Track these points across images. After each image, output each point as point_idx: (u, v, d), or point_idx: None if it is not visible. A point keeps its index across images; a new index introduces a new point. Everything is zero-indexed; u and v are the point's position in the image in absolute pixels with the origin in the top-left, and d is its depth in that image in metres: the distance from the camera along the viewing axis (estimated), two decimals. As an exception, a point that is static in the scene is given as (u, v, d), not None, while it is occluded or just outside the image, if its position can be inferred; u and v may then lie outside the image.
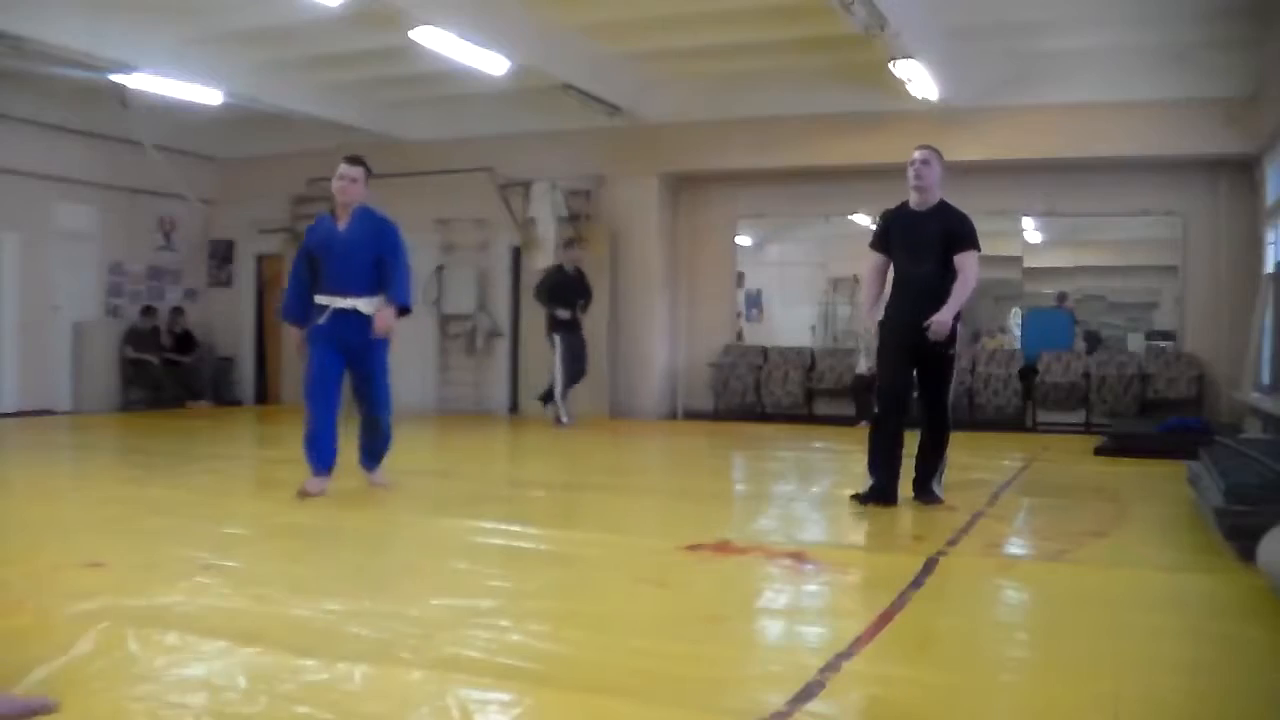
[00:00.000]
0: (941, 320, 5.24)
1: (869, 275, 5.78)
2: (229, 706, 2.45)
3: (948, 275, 5.38)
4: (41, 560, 3.95)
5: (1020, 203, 11.34)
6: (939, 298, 5.32)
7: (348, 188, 5.66)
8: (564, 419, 10.51)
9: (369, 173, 5.81)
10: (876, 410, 5.60)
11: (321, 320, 5.61)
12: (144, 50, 9.27)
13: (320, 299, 5.64)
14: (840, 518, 5.45)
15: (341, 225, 5.67)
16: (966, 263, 5.38)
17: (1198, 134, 9.79)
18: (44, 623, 3.05)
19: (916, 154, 5.51)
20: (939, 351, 5.38)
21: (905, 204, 5.60)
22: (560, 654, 2.90)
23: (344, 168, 5.71)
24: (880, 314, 5.69)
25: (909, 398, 5.57)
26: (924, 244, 5.43)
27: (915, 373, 5.51)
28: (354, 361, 5.70)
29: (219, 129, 12.23)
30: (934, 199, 5.50)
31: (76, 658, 2.71)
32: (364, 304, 5.62)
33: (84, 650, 2.77)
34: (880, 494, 5.50)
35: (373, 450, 5.94)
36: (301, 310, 5.72)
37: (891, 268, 5.64)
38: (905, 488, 5.55)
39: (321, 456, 5.59)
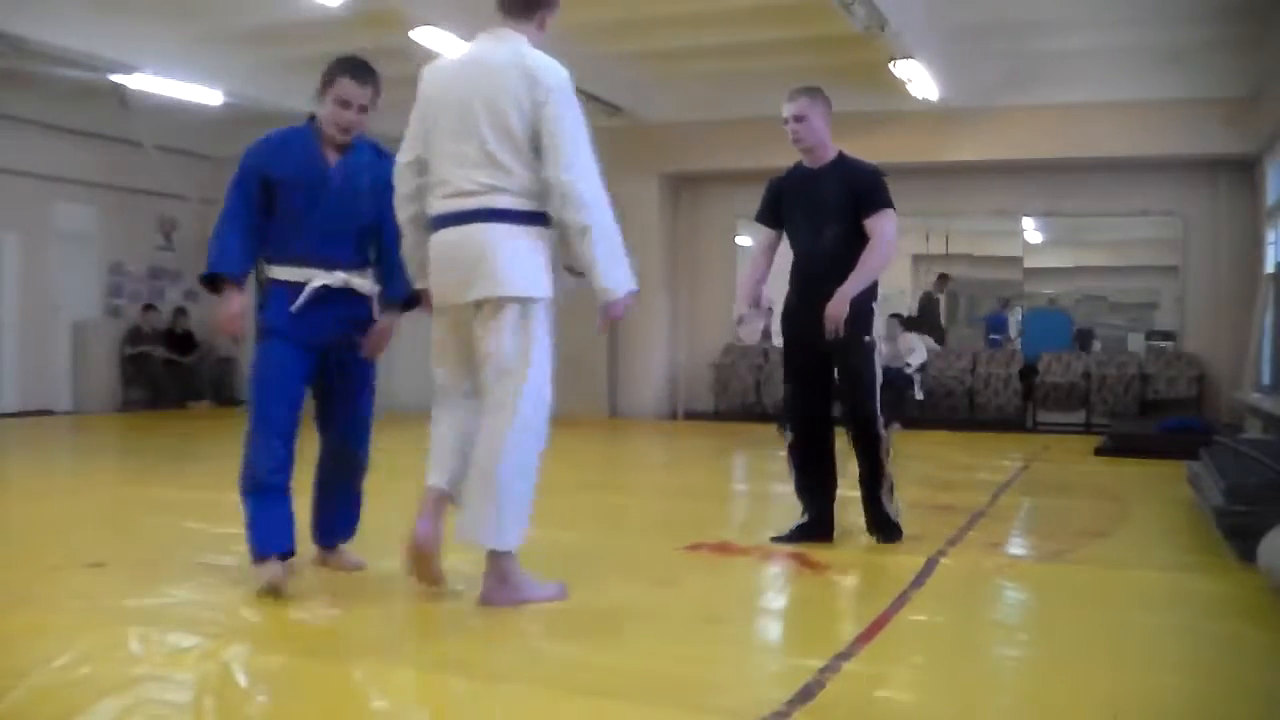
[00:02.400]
0: (835, 306, 4.18)
1: (752, 255, 4.73)
2: (229, 707, 2.45)
3: (856, 247, 4.29)
4: (41, 560, 3.95)
5: (1020, 203, 11.35)
6: (838, 277, 4.25)
7: (357, 121, 3.59)
8: None
9: (379, 93, 3.65)
10: (788, 429, 4.52)
11: (296, 305, 3.50)
12: (144, 50, 9.27)
13: (283, 271, 3.55)
14: (841, 518, 5.44)
15: (333, 162, 3.59)
16: (878, 226, 4.29)
17: (1198, 134, 9.80)
18: (44, 623, 3.05)
19: (786, 109, 4.38)
20: (848, 343, 4.27)
21: (799, 164, 4.53)
22: (560, 654, 2.90)
23: (351, 87, 3.54)
24: (776, 305, 4.62)
25: (826, 408, 4.50)
26: (822, 209, 4.37)
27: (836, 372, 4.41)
28: (332, 368, 3.69)
29: (219, 129, 12.22)
30: (828, 154, 4.44)
31: (76, 658, 2.71)
32: (359, 281, 3.66)
33: (84, 650, 2.77)
34: (807, 530, 4.43)
35: (343, 512, 3.84)
36: (248, 262, 3.55)
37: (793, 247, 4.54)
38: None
39: (279, 528, 3.47)
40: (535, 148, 3.25)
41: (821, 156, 4.44)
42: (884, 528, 4.43)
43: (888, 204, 4.35)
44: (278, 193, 3.53)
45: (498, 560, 3.32)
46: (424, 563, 3.32)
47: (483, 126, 3.24)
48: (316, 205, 3.55)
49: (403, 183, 3.44)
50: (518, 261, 3.25)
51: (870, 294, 4.33)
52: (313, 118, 3.64)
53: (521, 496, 3.37)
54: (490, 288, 3.22)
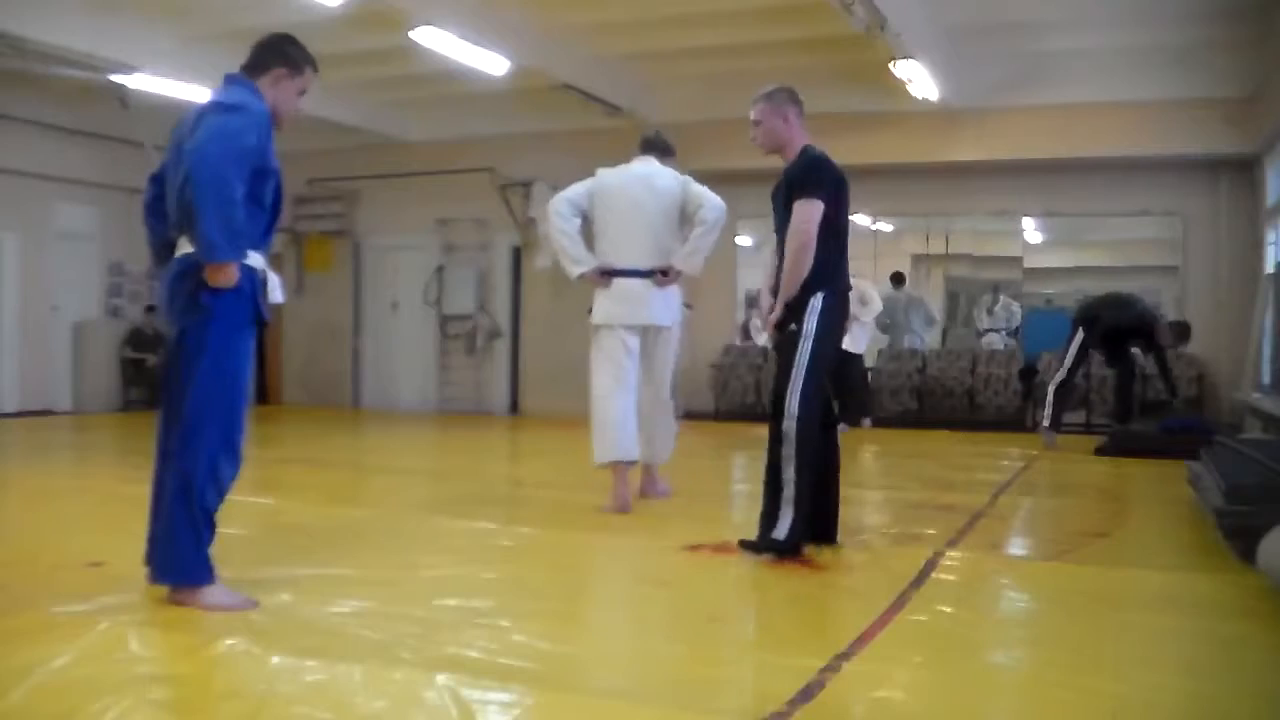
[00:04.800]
0: (775, 319, 4.17)
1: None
2: (229, 706, 2.45)
3: (823, 247, 4.16)
4: (41, 560, 3.95)
5: (1020, 203, 11.34)
6: (825, 275, 4.19)
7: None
8: None
9: None
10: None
11: (273, 294, 3.43)
12: (144, 50, 9.27)
13: (254, 258, 3.35)
14: (841, 518, 5.44)
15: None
16: (795, 214, 4.13)
17: (1198, 134, 9.79)
18: (44, 623, 3.05)
19: (751, 113, 4.41)
20: (780, 335, 4.21)
21: None
22: (560, 654, 2.90)
23: (311, 79, 3.64)
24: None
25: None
26: (778, 207, 4.31)
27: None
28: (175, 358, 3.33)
29: (219, 129, 12.22)
30: (794, 153, 4.33)
31: (76, 658, 2.71)
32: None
33: (84, 650, 2.77)
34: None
35: (165, 543, 3.23)
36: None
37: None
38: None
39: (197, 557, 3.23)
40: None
41: (790, 155, 4.35)
42: (757, 544, 4.08)
43: (810, 193, 4.13)
44: (253, 180, 3.29)
45: (654, 470, 5.62)
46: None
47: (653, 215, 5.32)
48: (275, 193, 3.46)
49: (568, 217, 5.32)
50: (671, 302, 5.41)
51: (811, 286, 4.11)
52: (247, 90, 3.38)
53: (673, 430, 5.68)
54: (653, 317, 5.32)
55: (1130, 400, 9.33)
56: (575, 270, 5.25)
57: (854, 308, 9.15)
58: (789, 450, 4.01)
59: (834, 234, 4.18)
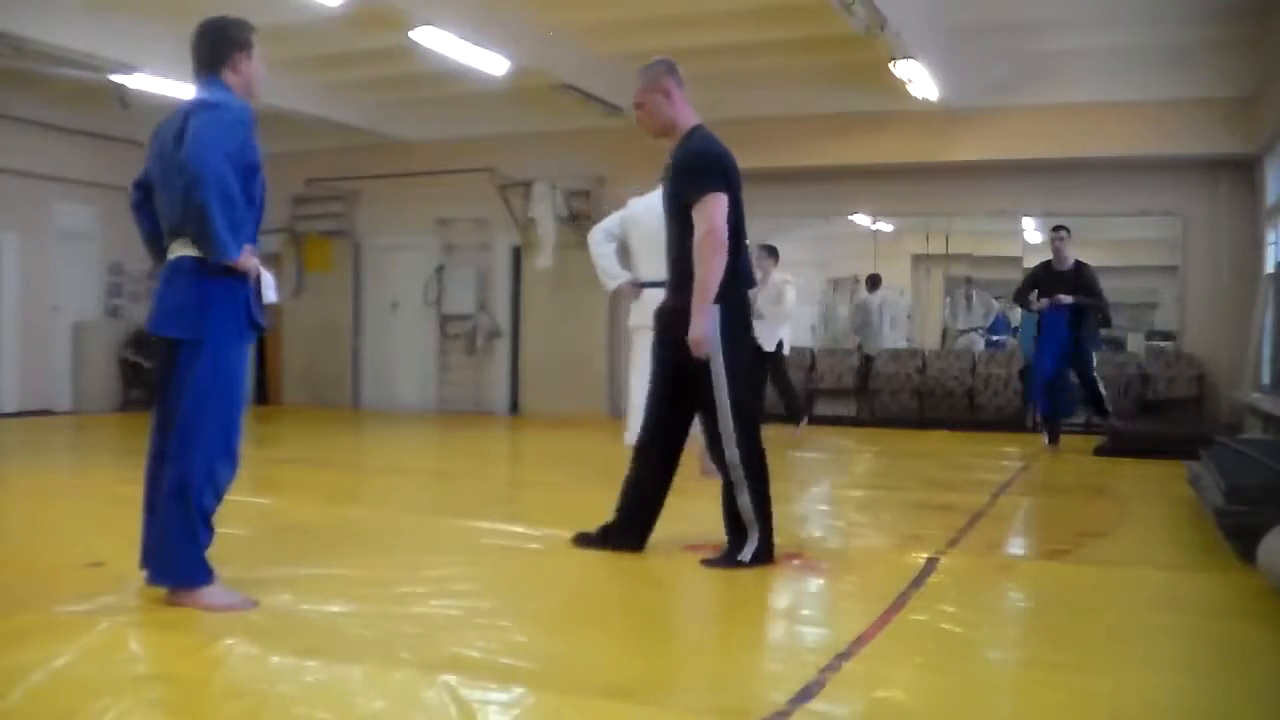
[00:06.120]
0: (694, 332, 3.82)
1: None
2: (228, 707, 2.45)
3: (688, 244, 3.88)
4: (41, 560, 3.95)
5: (1020, 203, 11.34)
6: (682, 281, 3.91)
7: None
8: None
9: None
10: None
11: (261, 298, 3.37)
12: (144, 50, 9.26)
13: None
14: (840, 518, 5.45)
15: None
16: (698, 218, 3.80)
17: (1198, 134, 9.79)
18: (44, 623, 3.05)
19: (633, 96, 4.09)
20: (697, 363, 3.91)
21: None
22: (560, 654, 2.90)
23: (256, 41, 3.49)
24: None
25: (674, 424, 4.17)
26: (666, 196, 4.06)
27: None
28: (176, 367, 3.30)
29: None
30: (681, 134, 4.03)
31: (76, 658, 2.71)
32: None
33: (84, 650, 2.77)
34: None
35: (162, 544, 3.24)
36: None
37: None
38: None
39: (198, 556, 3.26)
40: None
41: (677, 136, 4.02)
42: (721, 562, 3.99)
43: (710, 187, 3.82)
44: (243, 177, 3.24)
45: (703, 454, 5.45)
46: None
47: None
48: (260, 189, 3.39)
49: (603, 243, 6.04)
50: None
51: (728, 305, 3.86)
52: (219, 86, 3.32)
53: None
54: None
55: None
56: (611, 284, 6.07)
57: (766, 305, 8.86)
58: (737, 475, 3.94)
59: (732, 231, 3.88)
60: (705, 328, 3.81)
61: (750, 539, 3.97)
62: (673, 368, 4.04)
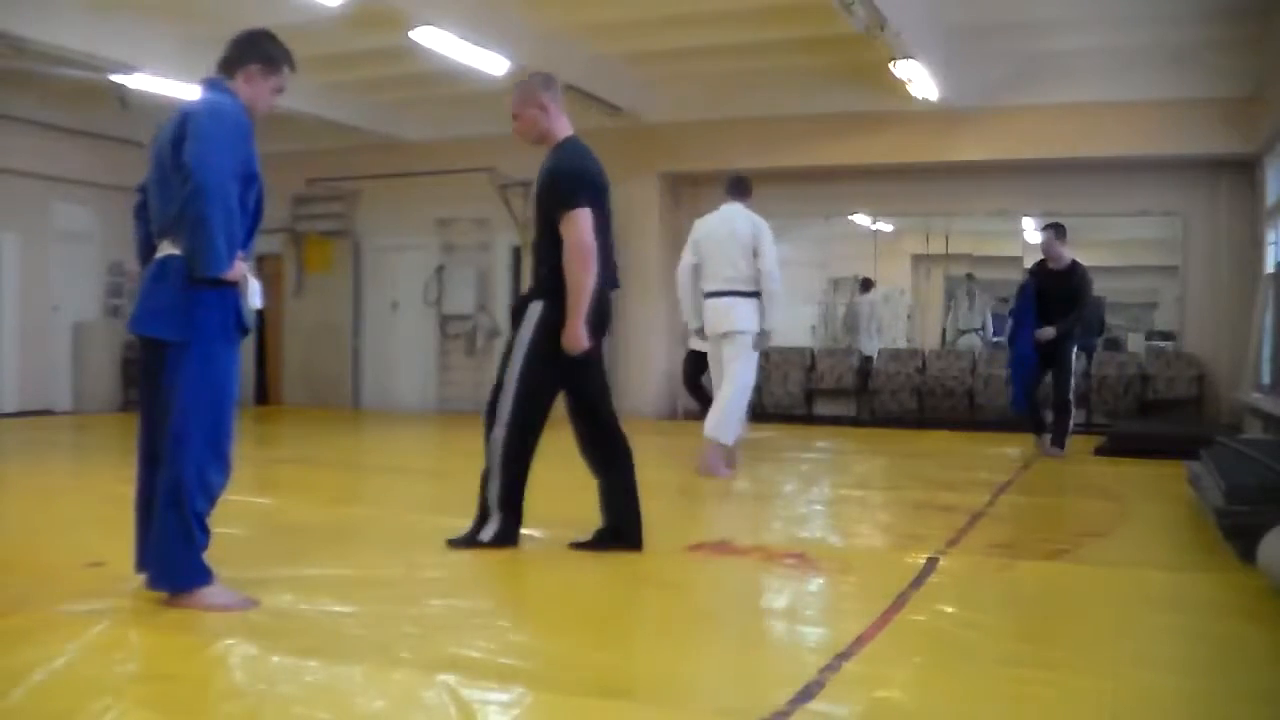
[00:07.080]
0: (569, 341, 3.98)
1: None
2: (229, 706, 2.45)
3: (555, 256, 3.99)
4: (41, 560, 3.95)
5: (1020, 203, 11.35)
6: (552, 288, 4.01)
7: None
8: None
9: None
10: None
11: (249, 304, 3.32)
12: (144, 50, 9.26)
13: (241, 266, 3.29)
14: (841, 518, 5.45)
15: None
16: (565, 233, 3.94)
17: (1198, 134, 9.79)
18: (44, 623, 3.05)
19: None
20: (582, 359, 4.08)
21: None
22: (560, 654, 2.90)
23: (287, 78, 3.72)
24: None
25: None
26: (535, 207, 4.17)
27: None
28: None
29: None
30: (554, 144, 4.21)
31: (76, 658, 2.71)
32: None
33: (84, 650, 2.77)
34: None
35: (160, 550, 3.20)
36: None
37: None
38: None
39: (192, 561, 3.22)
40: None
41: (551, 145, 4.21)
42: (463, 541, 4.17)
43: (575, 204, 3.97)
44: (243, 186, 3.26)
45: (717, 447, 6.64)
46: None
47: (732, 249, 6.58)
48: (257, 198, 3.39)
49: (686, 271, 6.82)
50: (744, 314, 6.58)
51: (534, 294, 4.07)
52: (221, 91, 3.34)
53: (735, 419, 6.68)
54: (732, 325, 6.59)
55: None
56: (693, 324, 6.99)
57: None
58: (493, 459, 4.17)
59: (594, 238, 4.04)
60: (579, 337, 3.98)
61: (492, 521, 4.15)
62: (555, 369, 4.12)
